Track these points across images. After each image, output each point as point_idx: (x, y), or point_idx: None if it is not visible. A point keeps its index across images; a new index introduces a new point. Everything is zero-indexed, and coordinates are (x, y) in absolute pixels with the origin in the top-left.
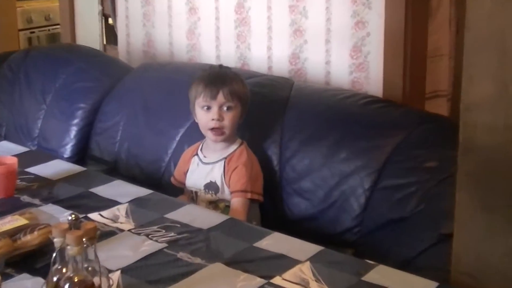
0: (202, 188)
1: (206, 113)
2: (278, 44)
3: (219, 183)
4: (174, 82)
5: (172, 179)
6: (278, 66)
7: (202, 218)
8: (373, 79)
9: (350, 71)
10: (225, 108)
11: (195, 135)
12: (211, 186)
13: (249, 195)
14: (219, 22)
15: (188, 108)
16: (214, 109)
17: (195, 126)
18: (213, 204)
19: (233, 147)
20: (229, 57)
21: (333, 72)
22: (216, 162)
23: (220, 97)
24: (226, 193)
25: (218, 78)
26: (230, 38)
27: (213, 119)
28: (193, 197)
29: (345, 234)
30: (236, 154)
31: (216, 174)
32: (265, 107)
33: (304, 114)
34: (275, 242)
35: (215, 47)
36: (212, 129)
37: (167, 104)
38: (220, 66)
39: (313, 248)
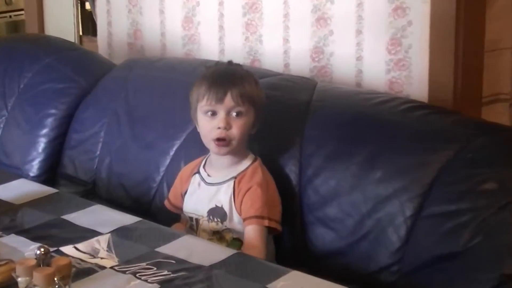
0: (205, 214)
1: (210, 119)
2: (297, 35)
3: (226, 209)
4: (166, 83)
5: (166, 203)
6: (297, 63)
7: (202, 252)
8: (416, 79)
9: (387, 69)
10: (233, 114)
11: (194, 149)
12: (216, 212)
13: (266, 222)
14: (223, 8)
15: (185, 116)
16: (221, 115)
17: (193, 137)
18: (218, 235)
19: (245, 163)
20: (235, 52)
21: (366, 71)
22: (223, 182)
23: (228, 100)
24: (235, 221)
25: (226, 76)
26: (237, 27)
27: (218, 128)
28: (193, 226)
29: (381, 274)
30: (249, 173)
31: (223, 197)
32: (281, 115)
33: (330, 123)
34: (294, 283)
35: (218, 39)
36: (217, 139)
37: (158, 110)
38: (229, 63)
39: None
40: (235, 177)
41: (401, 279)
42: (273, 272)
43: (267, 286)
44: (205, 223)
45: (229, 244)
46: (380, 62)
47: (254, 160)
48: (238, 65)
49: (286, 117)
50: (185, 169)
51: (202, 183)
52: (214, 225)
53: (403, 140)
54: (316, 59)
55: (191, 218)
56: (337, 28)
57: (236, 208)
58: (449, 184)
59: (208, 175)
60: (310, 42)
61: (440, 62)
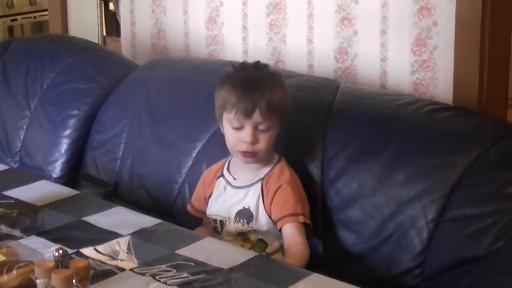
0: (233, 216)
1: (237, 132)
2: (321, 35)
3: (253, 209)
4: (189, 84)
5: (189, 208)
6: (321, 64)
7: (222, 255)
8: (441, 81)
9: (411, 70)
10: (261, 127)
11: (216, 150)
12: (243, 214)
13: (301, 219)
14: (247, 8)
15: (207, 117)
16: (247, 130)
17: (216, 139)
18: (243, 236)
19: (270, 164)
20: (259, 52)
21: (390, 72)
22: (251, 185)
23: (256, 116)
24: (261, 222)
25: (254, 86)
26: (260, 28)
27: (245, 142)
28: (217, 228)
29: (403, 277)
30: (276, 172)
31: (250, 199)
32: (304, 116)
33: (352, 124)
34: (313, 286)
35: (242, 39)
36: (244, 152)
37: (180, 111)
38: (256, 64)
39: None
40: (262, 179)
41: (423, 283)
42: (292, 275)
43: None
44: (231, 224)
45: (254, 245)
46: (405, 63)
47: (279, 160)
48: (265, 66)
49: (309, 119)
50: (208, 173)
51: (229, 187)
52: (240, 226)
53: (426, 142)
54: (340, 60)
55: (215, 221)
56: (362, 28)
57: (265, 209)
58: (472, 187)
59: (234, 179)
60: (334, 43)
61: (466, 63)
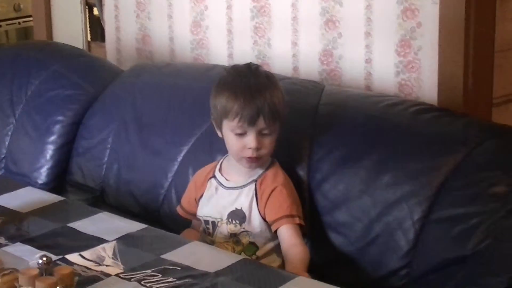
0: (225, 217)
1: (240, 139)
2: (306, 38)
3: (246, 210)
4: (174, 89)
5: (179, 210)
6: (306, 66)
7: (208, 259)
8: (425, 82)
9: (396, 71)
10: (264, 132)
11: (201, 155)
12: (235, 215)
13: (296, 220)
14: (232, 12)
15: (192, 122)
16: (251, 136)
17: (201, 143)
18: (235, 238)
19: (264, 166)
20: (244, 56)
21: (375, 73)
22: (244, 186)
23: (261, 123)
24: (254, 223)
25: (255, 93)
26: (245, 31)
27: (250, 148)
28: (208, 229)
29: (390, 278)
30: (270, 175)
31: (243, 200)
32: (290, 119)
33: (338, 127)
34: None
35: (227, 42)
36: (249, 158)
37: (165, 117)
38: (249, 67)
39: None
40: (256, 180)
41: (410, 283)
42: (279, 278)
43: None
44: (223, 225)
45: (245, 248)
46: (390, 65)
47: (272, 162)
48: (258, 68)
49: (294, 122)
50: (199, 175)
51: (220, 188)
52: (232, 227)
53: (412, 144)
54: (325, 62)
55: (206, 222)
56: (346, 30)
57: (259, 210)
58: (458, 187)
59: (226, 179)
60: (319, 45)
61: (450, 64)
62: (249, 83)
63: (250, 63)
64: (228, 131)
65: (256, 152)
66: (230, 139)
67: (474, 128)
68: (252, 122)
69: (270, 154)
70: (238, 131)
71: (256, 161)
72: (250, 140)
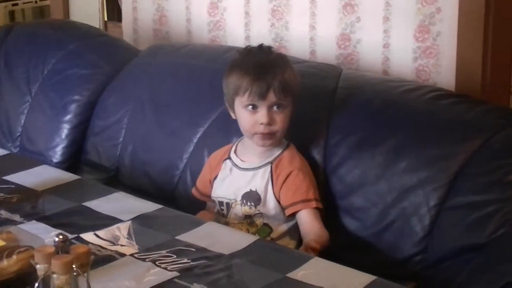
0: (239, 199)
1: (252, 114)
2: (324, 22)
3: (261, 193)
4: (191, 70)
5: (193, 191)
6: (323, 50)
7: (224, 240)
8: (444, 68)
9: (414, 56)
10: (275, 108)
11: (217, 136)
12: (250, 196)
13: (313, 204)
14: None
15: (209, 103)
16: (263, 110)
17: (217, 125)
18: (249, 220)
19: (279, 148)
20: (261, 38)
21: (393, 58)
22: (260, 167)
23: (271, 96)
24: (269, 206)
25: (266, 69)
26: (263, 13)
27: (261, 123)
28: (223, 210)
29: (405, 264)
30: (286, 157)
31: (259, 182)
32: (306, 102)
33: (355, 111)
34: (316, 271)
35: (244, 25)
36: (261, 134)
37: (182, 97)
38: (262, 48)
39: (363, 279)
40: (271, 162)
41: (425, 269)
42: (294, 260)
43: (287, 275)
44: (237, 207)
45: (259, 230)
46: (408, 50)
47: (288, 145)
48: (270, 48)
49: (311, 105)
50: (214, 156)
51: (235, 169)
52: (247, 209)
53: (429, 129)
54: (343, 46)
55: (221, 203)
56: (364, 14)
57: (274, 193)
58: (475, 174)
59: (241, 161)
60: (337, 29)
61: (469, 50)
62: (260, 61)
63: (262, 44)
64: (240, 108)
65: (268, 127)
66: (242, 116)
67: (493, 115)
68: (262, 96)
69: (284, 133)
70: (250, 107)
71: (269, 138)
72: (262, 115)
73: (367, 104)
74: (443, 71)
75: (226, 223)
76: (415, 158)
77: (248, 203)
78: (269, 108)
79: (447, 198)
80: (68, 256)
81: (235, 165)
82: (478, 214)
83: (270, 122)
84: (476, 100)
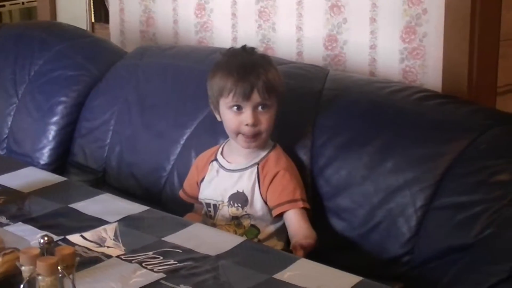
0: (226, 200)
1: (237, 115)
2: (310, 23)
3: (248, 194)
4: (178, 71)
5: (181, 193)
6: (310, 51)
7: (210, 241)
8: (430, 68)
9: (401, 57)
10: (260, 108)
11: (204, 138)
12: (237, 198)
13: (300, 204)
14: None
15: (196, 104)
16: (247, 111)
17: (204, 126)
18: (236, 221)
19: (266, 149)
20: (248, 39)
21: (380, 59)
22: (246, 168)
23: (256, 96)
24: (256, 207)
25: (249, 69)
26: (250, 15)
27: (247, 124)
28: (210, 212)
29: (391, 265)
30: (272, 158)
31: (245, 183)
32: (293, 104)
33: (341, 112)
34: (302, 273)
35: (231, 26)
36: (246, 136)
37: (169, 99)
38: (244, 48)
39: (350, 280)
40: (258, 163)
41: (412, 270)
42: (281, 261)
43: (274, 276)
44: (225, 208)
45: (246, 231)
46: (394, 51)
47: (274, 146)
48: (253, 49)
49: (298, 106)
50: (201, 158)
51: (221, 170)
52: (234, 210)
53: (416, 130)
54: (330, 47)
55: (208, 205)
56: (351, 16)
57: (261, 194)
58: (461, 175)
59: (228, 162)
60: (324, 30)
61: (455, 51)
62: (243, 61)
63: (245, 45)
64: (225, 109)
65: (254, 128)
66: (227, 117)
67: (479, 116)
68: (246, 96)
69: (269, 134)
70: (234, 107)
71: (253, 140)
72: (247, 115)
73: (353, 105)
74: (430, 72)
75: (214, 225)
76: (402, 158)
77: (235, 204)
78: (254, 109)
79: (434, 198)
80: (53, 257)
81: (222, 166)
82: (465, 215)
83: (255, 123)
84: (462, 101)
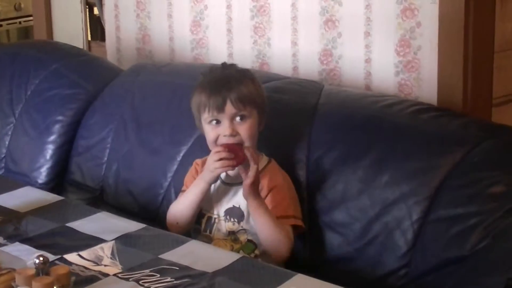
0: (222, 214)
1: (215, 128)
2: (306, 38)
3: (244, 209)
4: (174, 88)
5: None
6: (306, 66)
7: (206, 258)
8: (425, 81)
9: (396, 71)
10: (237, 119)
11: (201, 154)
12: (233, 213)
13: (292, 221)
14: (232, 11)
15: (192, 121)
16: (225, 123)
17: (200, 142)
18: (233, 236)
19: (261, 165)
20: (244, 55)
21: (375, 73)
22: (241, 183)
23: (229, 108)
24: (252, 222)
25: (222, 83)
26: (245, 31)
27: (225, 135)
28: (200, 223)
29: (388, 278)
30: (267, 173)
31: (241, 198)
32: (288, 118)
33: (336, 126)
34: (298, 287)
35: (227, 42)
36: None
37: (165, 116)
38: (223, 65)
39: None
40: None
41: (409, 284)
42: (277, 277)
43: None
44: (221, 222)
45: (243, 246)
46: (389, 64)
47: (269, 161)
48: (232, 66)
49: (293, 121)
50: (200, 162)
51: (218, 182)
52: (230, 225)
53: (411, 143)
54: (325, 62)
55: (202, 215)
56: (346, 30)
57: None
58: (456, 187)
59: (226, 175)
60: (319, 45)
61: (450, 64)
62: (215, 76)
63: (224, 62)
64: (205, 125)
65: (232, 138)
66: (207, 132)
67: (473, 128)
68: (219, 108)
69: (253, 144)
70: (213, 122)
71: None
72: (224, 127)
73: (348, 119)
74: (425, 85)
75: (210, 239)
76: (397, 172)
77: (232, 219)
78: (231, 120)
79: (430, 211)
80: (49, 277)
81: (219, 178)
82: (461, 227)
83: (233, 133)
84: (456, 114)
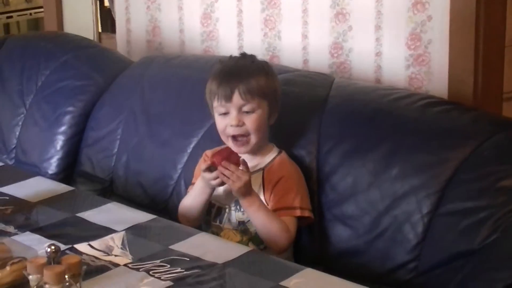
0: (232, 204)
1: (224, 117)
2: (316, 31)
3: None
4: (184, 80)
5: (189, 189)
6: (316, 59)
7: (217, 250)
8: (435, 75)
9: (406, 64)
10: (244, 110)
11: (211, 146)
12: None
13: (298, 212)
14: (242, 4)
15: (202, 113)
16: (232, 113)
17: (211, 134)
18: (242, 227)
19: (271, 155)
20: (254, 48)
21: (385, 66)
22: (252, 173)
23: (236, 98)
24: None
25: (233, 73)
26: (255, 23)
27: (231, 125)
28: (211, 213)
29: (397, 271)
30: (276, 164)
31: None
32: (298, 111)
33: (347, 119)
34: (308, 281)
35: (237, 35)
36: (233, 137)
37: (174, 108)
38: (242, 56)
39: None
40: (263, 169)
41: (418, 277)
42: (286, 269)
43: (280, 283)
44: (232, 212)
45: (252, 237)
46: (400, 58)
47: (280, 152)
48: (250, 57)
49: (303, 114)
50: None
51: None
52: (240, 215)
53: (421, 136)
54: (335, 55)
55: (212, 205)
56: (356, 23)
57: (266, 199)
58: (467, 181)
59: None
60: (329, 38)
61: (460, 58)
62: (227, 66)
63: (244, 52)
64: (216, 115)
65: (238, 129)
66: (217, 121)
67: (483, 122)
68: (227, 98)
69: (259, 138)
70: (221, 110)
71: (241, 144)
72: (231, 117)
73: (358, 112)
74: (435, 79)
75: (220, 229)
76: (407, 165)
77: (241, 209)
78: (239, 111)
79: (440, 204)
80: (60, 266)
81: None
82: (470, 221)
83: (239, 123)
84: (466, 107)
